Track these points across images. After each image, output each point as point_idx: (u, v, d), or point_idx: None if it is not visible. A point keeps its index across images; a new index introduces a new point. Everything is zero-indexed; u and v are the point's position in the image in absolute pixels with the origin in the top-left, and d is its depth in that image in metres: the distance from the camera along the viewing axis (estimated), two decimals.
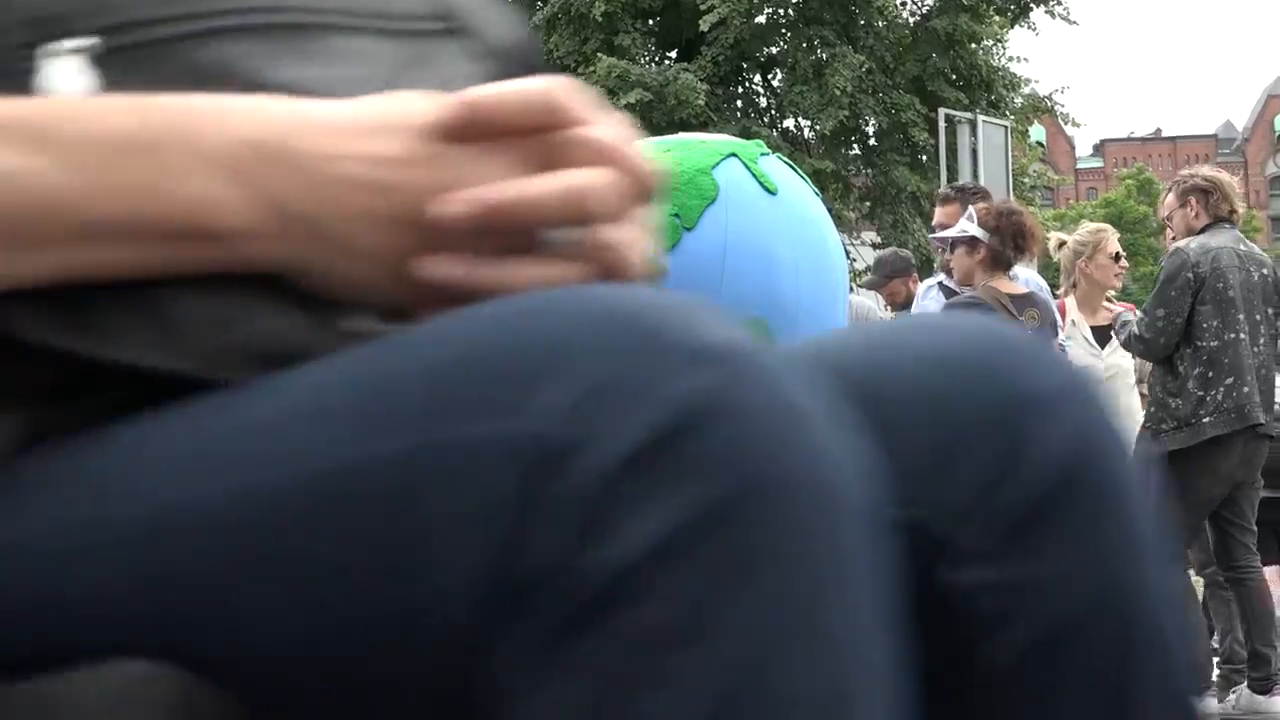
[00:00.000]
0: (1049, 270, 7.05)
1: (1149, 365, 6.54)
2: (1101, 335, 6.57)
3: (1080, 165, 76.88)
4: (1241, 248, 6.43)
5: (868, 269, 9.15)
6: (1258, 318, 6.28)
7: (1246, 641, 6.35)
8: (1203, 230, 6.35)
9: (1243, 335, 6.18)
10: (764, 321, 4.65)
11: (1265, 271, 6.43)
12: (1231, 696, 6.31)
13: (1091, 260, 6.82)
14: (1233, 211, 6.50)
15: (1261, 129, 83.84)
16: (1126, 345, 6.38)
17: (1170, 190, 6.70)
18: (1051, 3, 21.13)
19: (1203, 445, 6.11)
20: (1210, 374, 6.13)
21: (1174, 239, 6.46)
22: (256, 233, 0.81)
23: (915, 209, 20.38)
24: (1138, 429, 6.36)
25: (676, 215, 4.63)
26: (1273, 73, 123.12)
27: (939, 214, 6.80)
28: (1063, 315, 6.55)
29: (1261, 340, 6.28)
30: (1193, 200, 6.46)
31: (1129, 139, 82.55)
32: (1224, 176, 6.78)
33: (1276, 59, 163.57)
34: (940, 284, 6.56)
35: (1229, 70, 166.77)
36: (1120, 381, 6.45)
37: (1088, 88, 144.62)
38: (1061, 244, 6.92)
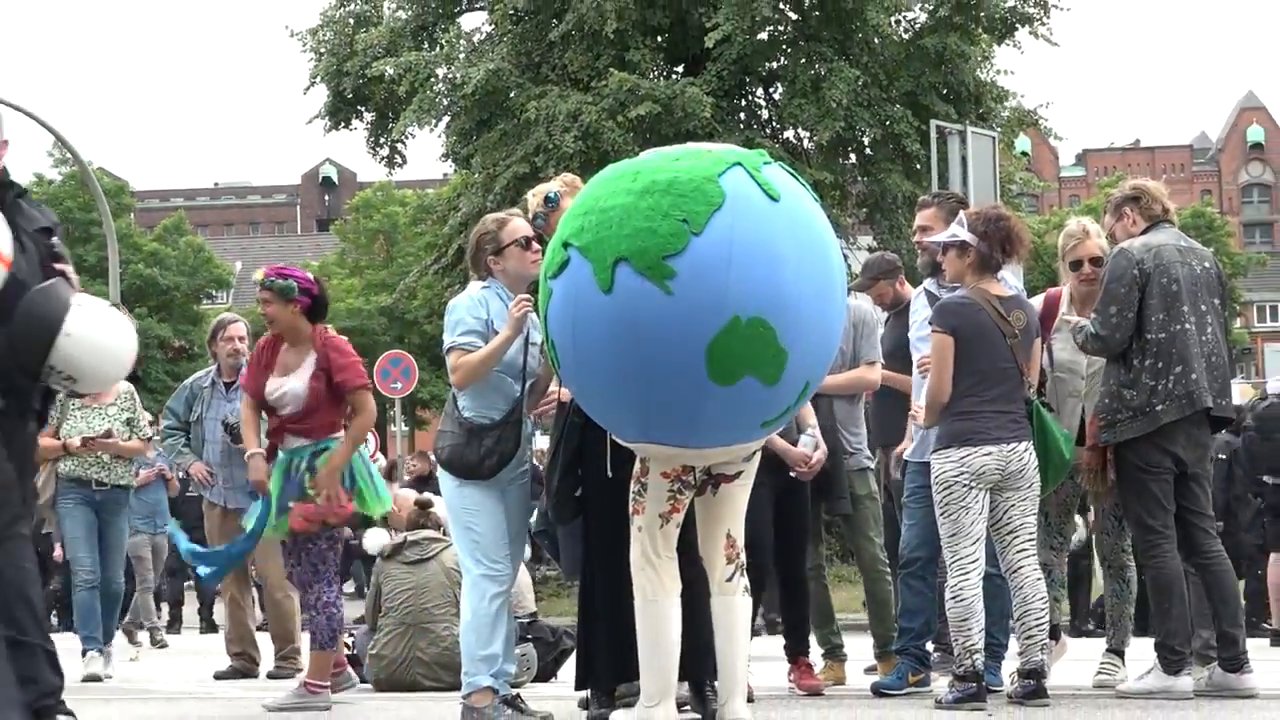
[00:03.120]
0: (1034, 273, 7.05)
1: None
2: None
3: (1063, 174, 76.67)
4: (1182, 243, 6.46)
5: None
6: (1203, 308, 6.30)
7: (1216, 624, 6.36)
8: (1143, 233, 6.40)
9: (1189, 326, 6.21)
10: (767, 320, 4.67)
11: (1207, 264, 6.46)
12: (1204, 673, 6.32)
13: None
14: (1166, 211, 6.54)
15: (1234, 139, 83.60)
16: (1083, 346, 6.39)
17: (1106, 212, 6.76)
18: (1035, 23, 21.10)
19: (1153, 431, 6.14)
20: (1160, 364, 6.16)
21: None
22: None
23: (909, 215, 20.34)
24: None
25: (685, 221, 4.65)
26: (1244, 87, 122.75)
27: (919, 217, 6.82)
28: (1055, 305, 6.57)
29: (1209, 329, 6.30)
30: (1127, 209, 6.51)
31: (1109, 149, 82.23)
32: (1149, 182, 6.84)
33: (1248, 74, 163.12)
34: (927, 290, 6.57)
35: (1203, 84, 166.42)
36: (1091, 373, 6.45)
37: (1070, 101, 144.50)
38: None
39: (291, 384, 6.45)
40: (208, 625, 16.73)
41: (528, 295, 5.37)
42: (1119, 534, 6.70)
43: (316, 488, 6.36)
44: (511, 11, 21.10)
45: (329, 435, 6.49)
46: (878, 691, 6.48)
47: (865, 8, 20.00)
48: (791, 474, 6.32)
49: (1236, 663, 6.22)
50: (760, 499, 5.30)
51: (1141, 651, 6.84)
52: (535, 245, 5.47)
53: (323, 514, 6.38)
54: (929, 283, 6.60)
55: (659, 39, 21.41)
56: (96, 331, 4.60)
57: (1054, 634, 6.86)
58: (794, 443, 6.31)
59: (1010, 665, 6.19)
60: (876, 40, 20.65)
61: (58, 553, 11.39)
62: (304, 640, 7.33)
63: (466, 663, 5.38)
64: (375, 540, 8.87)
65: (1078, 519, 6.99)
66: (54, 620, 13.68)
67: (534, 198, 5.83)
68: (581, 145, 19.13)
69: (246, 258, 56.15)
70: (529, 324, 5.42)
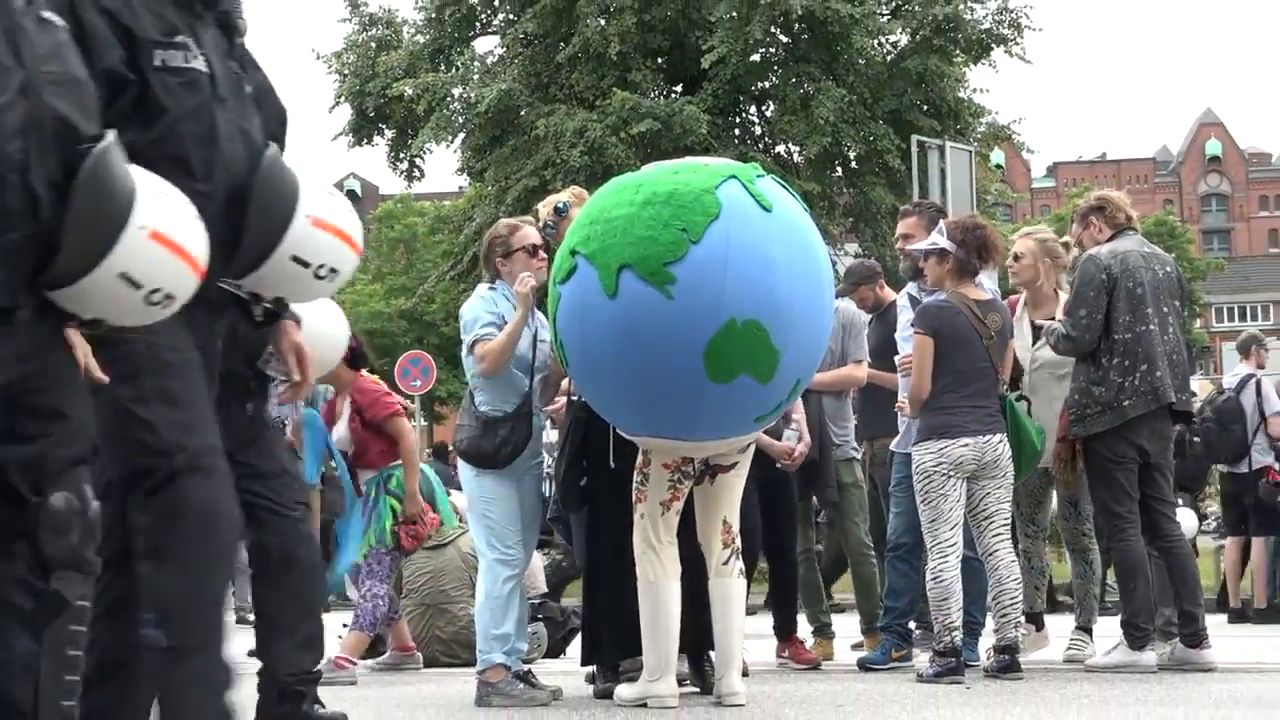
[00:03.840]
0: (1008, 278, 7.05)
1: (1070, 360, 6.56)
2: (1037, 330, 6.58)
3: (1035, 185, 76.59)
4: (1145, 249, 6.46)
5: None
6: (1165, 310, 6.31)
7: (1177, 602, 6.37)
8: (1109, 240, 6.39)
9: (1153, 326, 6.21)
10: (761, 323, 4.67)
11: (1169, 269, 6.47)
12: (1166, 649, 6.33)
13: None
14: (1129, 219, 6.54)
15: (1194, 153, 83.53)
16: (1055, 347, 6.38)
17: (1074, 221, 6.76)
18: (1009, 43, 21.08)
19: (1121, 424, 6.15)
20: (1127, 363, 6.16)
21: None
22: None
23: (892, 224, 20.32)
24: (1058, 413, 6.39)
25: (684, 229, 4.66)
26: (1203, 104, 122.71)
27: (901, 226, 6.83)
28: (1014, 310, 6.56)
29: (1171, 329, 6.31)
30: (1093, 219, 6.51)
31: (1078, 162, 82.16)
32: (1113, 192, 6.85)
33: (1206, 92, 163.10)
34: (909, 294, 6.58)
35: (1165, 101, 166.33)
36: (1047, 372, 6.45)
37: (1042, 117, 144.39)
38: (1068, 245, 6.92)
39: (339, 430, 6.83)
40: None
41: (528, 273, 5.37)
42: (1077, 519, 6.71)
43: (409, 512, 6.79)
44: (522, 35, 21.12)
45: (389, 463, 6.86)
46: (864, 666, 6.48)
47: (850, 31, 19.97)
48: (778, 465, 6.33)
49: (1196, 639, 6.23)
50: (747, 489, 5.31)
51: (1108, 629, 6.85)
52: (541, 254, 5.49)
53: (424, 532, 6.93)
54: (911, 287, 6.60)
55: (659, 60, 21.41)
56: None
57: (1038, 622, 6.86)
58: (779, 436, 6.31)
59: (987, 642, 6.20)
60: (861, 61, 20.62)
61: None
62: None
63: (481, 641, 5.39)
64: None
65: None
66: None
67: (545, 208, 5.84)
68: (587, 160, 19.12)
69: None
70: (536, 322, 5.43)
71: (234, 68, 3.20)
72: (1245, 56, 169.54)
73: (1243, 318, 67.09)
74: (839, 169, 21.79)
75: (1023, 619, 6.23)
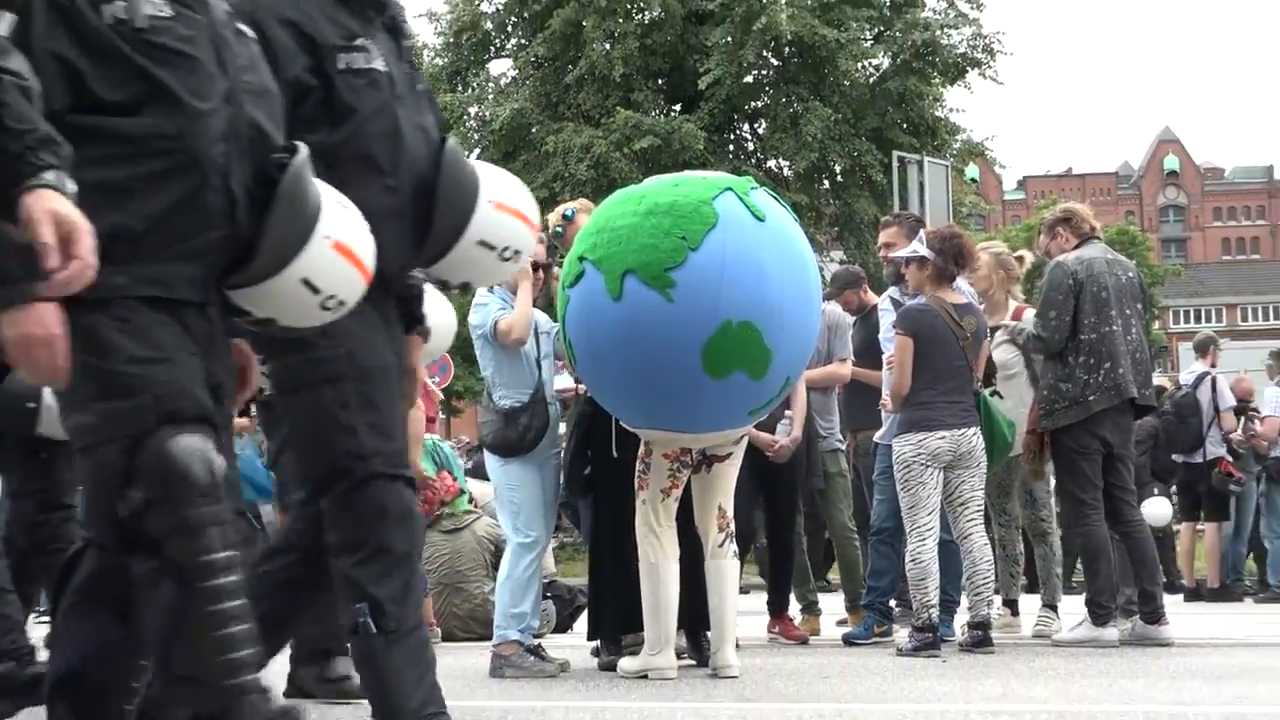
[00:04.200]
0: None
1: (1022, 359, 6.58)
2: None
3: (1007, 197, 76.46)
4: (1109, 256, 6.46)
5: None
6: (1128, 312, 6.31)
7: (1137, 582, 6.36)
8: (1075, 248, 6.39)
9: (1116, 327, 6.21)
10: (754, 324, 4.66)
11: (1131, 275, 6.47)
12: (1127, 625, 6.32)
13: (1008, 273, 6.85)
14: (1093, 229, 6.55)
15: (1153, 167, 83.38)
16: (1026, 346, 6.39)
17: (1041, 233, 6.78)
18: (983, 67, 21.07)
19: (1086, 418, 6.14)
20: (1092, 361, 6.16)
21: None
22: None
23: (874, 233, 20.33)
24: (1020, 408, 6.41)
25: (683, 238, 4.65)
26: (1162, 123, 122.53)
27: (883, 235, 6.84)
28: None
29: (1133, 330, 6.31)
30: (1060, 229, 6.52)
31: (1046, 176, 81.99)
32: (1078, 205, 6.87)
33: (1165, 111, 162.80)
34: (891, 297, 6.57)
35: (1126, 120, 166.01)
36: (1000, 372, 6.46)
37: (1013, 135, 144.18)
38: (1021, 258, 6.96)
39: None
40: None
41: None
42: (1034, 507, 6.73)
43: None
44: (533, 59, 21.14)
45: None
46: (848, 641, 6.48)
47: (836, 56, 19.98)
48: (768, 455, 6.32)
49: (1155, 616, 6.22)
50: (740, 479, 5.30)
51: (1074, 607, 6.84)
52: (540, 273, 5.49)
53: (434, 499, 6.75)
54: (893, 290, 6.60)
55: (659, 82, 21.42)
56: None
57: (1013, 608, 6.86)
58: (774, 428, 6.31)
59: (962, 619, 6.20)
60: (846, 83, 20.63)
61: None
62: None
63: (499, 618, 5.38)
64: None
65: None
66: None
67: (554, 215, 5.86)
68: (593, 173, 19.13)
69: None
70: (535, 322, 5.43)
71: (405, 68, 3.13)
72: (1201, 79, 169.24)
73: (1198, 320, 66.95)
74: (825, 182, 21.80)
75: (995, 598, 6.22)
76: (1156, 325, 54.43)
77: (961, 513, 5.91)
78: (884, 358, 6.37)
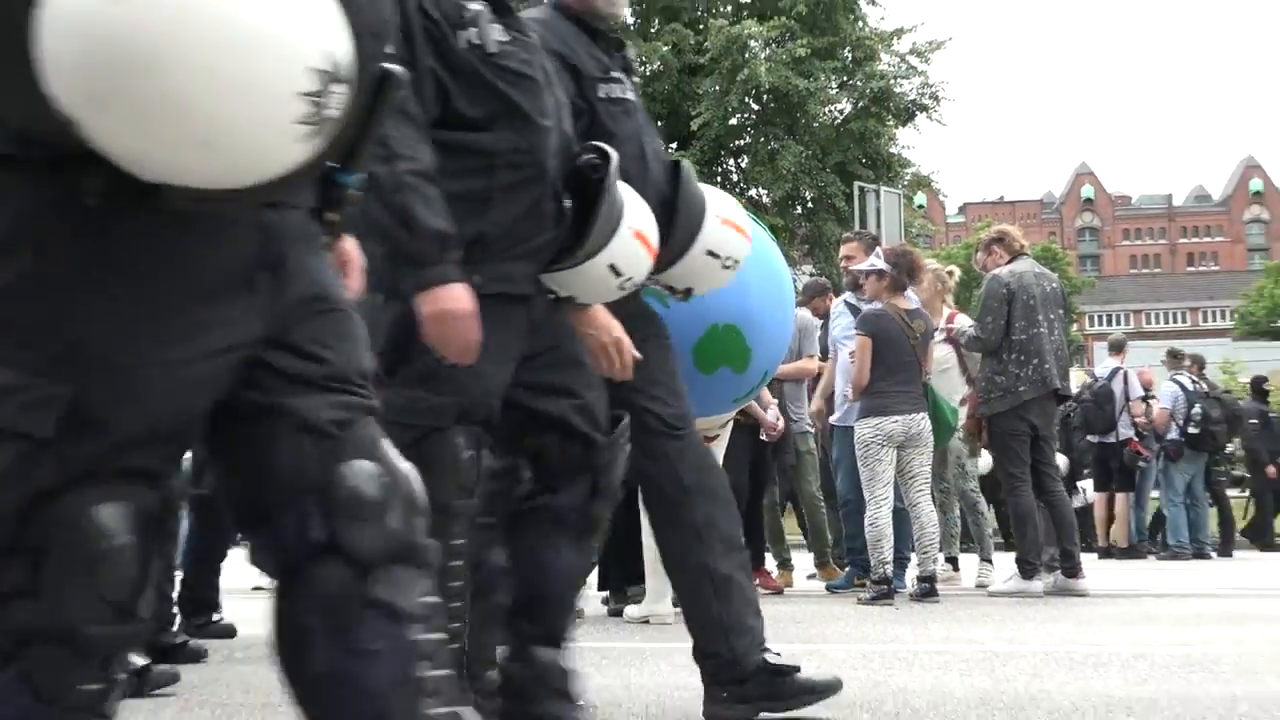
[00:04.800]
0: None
1: (954, 356, 6.62)
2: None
3: (950, 221, 76.40)
4: (1036, 270, 6.47)
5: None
6: (1052, 317, 6.31)
7: (1059, 542, 6.35)
8: (1008, 263, 6.40)
9: (1042, 329, 6.21)
10: (738, 327, 4.64)
11: (1054, 285, 6.48)
12: (1050, 578, 6.31)
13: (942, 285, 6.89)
14: (1022, 247, 6.57)
15: (1072, 195, 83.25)
16: (968, 346, 6.39)
17: (978, 250, 6.80)
18: (930, 111, 21.03)
19: (1017, 405, 6.14)
20: (1022, 358, 6.16)
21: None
22: None
23: (839, 251, 20.33)
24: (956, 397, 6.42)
25: None
26: (1080, 157, 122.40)
27: (844, 249, 6.91)
28: None
29: (1056, 332, 6.32)
30: (994, 247, 6.53)
31: (982, 202, 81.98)
32: (1008, 227, 6.90)
33: (1082, 147, 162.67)
34: (846, 301, 6.58)
35: (1050, 155, 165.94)
36: (935, 367, 6.48)
37: (954, 168, 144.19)
38: (952, 273, 7.01)
39: None
40: None
41: None
42: (964, 479, 6.81)
43: None
44: None
45: None
46: (830, 589, 6.50)
47: (806, 101, 19.95)
48: (761, 437, 6.33)
49: (1073, 571, 6.21)
50: (726, 456, 5.30)
51: (1005, 562, 6.83)
52: None
53: None
54: (848, 295, 6.62)
55: (657, 123, 21.36)
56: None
57: (954, 564, 6.86)
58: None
59: (912, 574, 6.19)
60: (815, 125, 20.60)
61: None
62: None
63: None
64: None
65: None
66: None
67: None
68: None
69: None
70: None
71: (639, 100, 3.03)
72: (1113, 121, 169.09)
73: (1109, 323, 66.85)
74: (798, 208, 21.77)
75: (941, 558, 6.21)
76: (1074, 328, 54.36)
77: (911, 485, 5.89)
78: (845, 352, 6.37)
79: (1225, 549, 11.33)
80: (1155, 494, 11.37)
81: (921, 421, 5.84)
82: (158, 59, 0.96)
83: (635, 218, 2.53)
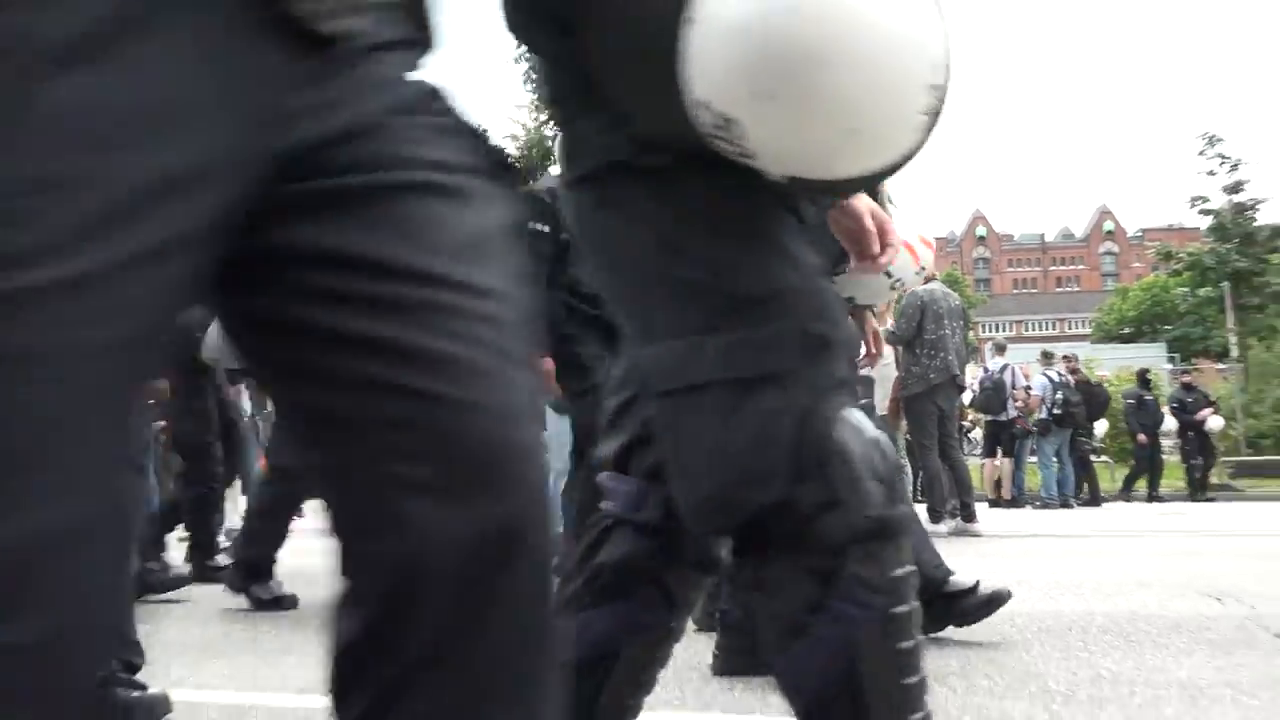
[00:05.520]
0: None
1: (893, 354, 6.80)
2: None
3: None
4: (942, 290, 6.70)
5: None
6: (955, 325, 6.52)
7: (959, 495, 6.51)
8: (922, 285, 6.61)
9: (947, 333, 6.42)
10: None
11: (956, 301, 6.67)
12: (951, 523, 6.48)
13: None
14: (933, 276, 6.79)
15: (969, 235, 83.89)
16: (887, 340, 6.60)
17: None
18: None
19: (928, 389, 6.33)
20: (932, 353, 6.35)
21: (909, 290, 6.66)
22: None
23: None
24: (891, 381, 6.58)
25: None
26: (975, 204, 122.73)
27: None
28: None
29: (957, 335, 6.53)
30: None
31: None
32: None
33: (975, 195, 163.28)
34: None
35: (949, 202, 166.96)
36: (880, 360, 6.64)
37: None
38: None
39: None
40: None
41: None
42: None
43: None
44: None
45: None
46: None
47: None
48: None
49: (970, 517, 6.39)
50: None
51: (919, 511, 6.96)
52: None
53: None
54: None
55: None
56: None
57: None
58: None
59: None
60: None
61: None
62: None
63: None
64: None
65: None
66: None
67: None
68: None
69: None
70: None
71: None
72: (1000, 172, 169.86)
73: (996, 330, 67.24)
74: None
75: None
76: (971, 334, 54.56)
77: None
78: None
79: (1094, 500, 11.76)
80: (1032, 459, 11.74)
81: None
82: (824, 56, 0.92)
83: (903, 226, 2.38)
